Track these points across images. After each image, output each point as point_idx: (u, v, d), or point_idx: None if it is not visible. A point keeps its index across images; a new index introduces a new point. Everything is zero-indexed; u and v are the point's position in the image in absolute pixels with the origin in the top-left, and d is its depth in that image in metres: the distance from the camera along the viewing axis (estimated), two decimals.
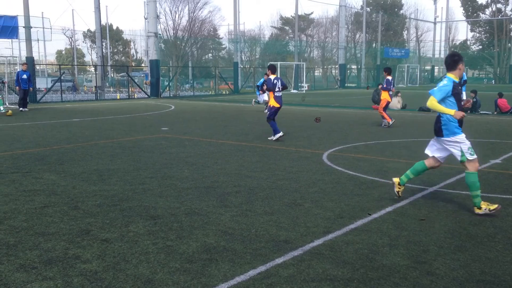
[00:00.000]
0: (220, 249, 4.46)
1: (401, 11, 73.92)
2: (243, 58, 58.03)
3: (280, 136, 11.48)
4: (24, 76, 21.24)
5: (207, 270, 4.00)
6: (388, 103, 15.22)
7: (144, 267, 4.05)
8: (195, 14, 49.38)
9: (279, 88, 11.59)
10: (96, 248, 4.47)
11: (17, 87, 21.72)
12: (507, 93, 26.11)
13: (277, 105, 11.60)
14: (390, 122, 14.75)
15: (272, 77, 11.56)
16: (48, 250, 4.41)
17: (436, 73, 74.79)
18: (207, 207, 5.85)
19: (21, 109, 21.09)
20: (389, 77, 14.91)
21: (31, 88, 22.27)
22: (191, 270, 4.00)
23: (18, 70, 22.54)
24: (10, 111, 18.33)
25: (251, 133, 13.21)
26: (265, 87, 11.77)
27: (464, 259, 4.29)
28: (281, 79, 11.88)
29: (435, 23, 73.54)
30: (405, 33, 74.88)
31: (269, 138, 11.70)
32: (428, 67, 75.51)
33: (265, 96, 19.51)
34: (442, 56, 77.21)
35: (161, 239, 4.74)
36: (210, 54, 66.74)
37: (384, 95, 15.04)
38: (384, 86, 14.95)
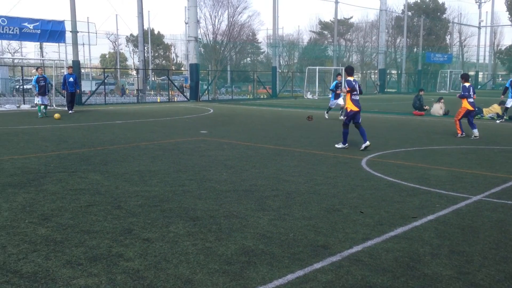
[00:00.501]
0: (258, 252, 4.50)
1: (444, 15, 72.18)
2: (281, 62, 58.08)
3: (343, 147, 11.04)
4: (71, 79, 21.75)
5: (245, 273, 4.04)
6: (469, 111, 13.56)
7: (184, 267, 4.13)
8: (234, 18, 49.80)
9: (357, 91, 11.00)
10: (138, 247, 4.59)
11: (64, 90, 22.31)
12: None
13: (356, 109, 10.86)
14: (459, 135, 13.67)
15: (351, 78, 10.99)
16: (93, 248, 4.56)
17: (480, 79, 72.63)
18: (246, 210, 5.90)
19: (70, 111, 21.46)
20: (467, 84, 13.62)
21: (78, 90, 22.85)
22: (229, 272, 4.04)
23: (65, 73, 23.15)
24: (57, 114, 18.40)
25: (289, 137, 13.22)
26: (345, 89, 11.05)
27: (510, 270, 4.16)
28: (358, 83, 11.30)
29: (479, 27, 71.50)
30: (448, 37, 73.10)
31: (336, 146, 11.25)
32: (471, 73, 73.42)
33: (339, 100, 19.10)
34: (487, 61, 75.00)
35: (201, 240, 4.81)
36: (248, 59, 67.13)
37: (464, 104, 13.54)
38: (461, 93, 13.58)
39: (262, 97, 41.59)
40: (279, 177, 7.82)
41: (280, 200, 6.40)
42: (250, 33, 60.97)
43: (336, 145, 11.25)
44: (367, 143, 10.77)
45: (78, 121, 17.57)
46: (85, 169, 8.33)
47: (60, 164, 8.82)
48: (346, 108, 11.09)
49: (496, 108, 20.54)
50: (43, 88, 19.18)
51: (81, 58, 38.25)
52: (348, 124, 10.96)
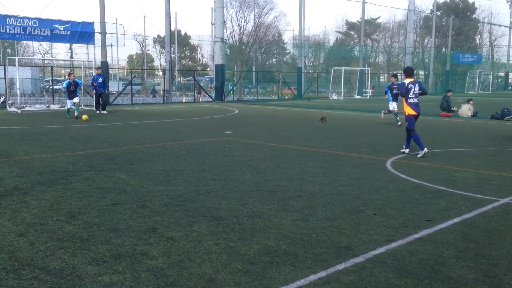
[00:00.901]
0: (281, 253, 4.51)
1: (474, 15, 70.79)
2: (306, 63, 57.89)
3: (425, 153, 9.94)
4: (100, 80, 22.10)
5: (268, 273, 4.05)
6: None
7: (207, 266, 4.17)
8: (260, 19, 49.89)
9: (415, 93, 10.18)
10: (162, 246, 4.65)
11: (93, 91, 22.62)
12: None
13: (414, 113, 10.15)
14: None
15: (406, 81, 10.21)
16: (118, 245, 4.65)
17: (510, 80, 70.91)
18: (269, 210, 5.92)
19: (97, 111, 21.80)
20: None
21: (106, 91, 23.18)
22: (252, 272, 4.06)
23: (94, 74, 23.46)
24: (85, 116, 18.06)
25: (314, 138, 13.17)
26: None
27: None
28: (420, 83, 10.49)
29: (510, 27, 69.75)
30: (477, 37, 71.61)
31: (418, 156, 9.96)
32: (502, 74, 71.70)
33: (392, 105, 17.17)
34: None
35: (224, 240, 4.85)
36: (274, 59, 67.12)
37: None
38: None
39: (287, 97, 41.53)
40: (302, 178, 7.81)
41: (304, 200, 6.39)
42: (276, 34, 60.96)
43: (419, 156, 9.97)
44: (407, 150, 10.33)
45: (105, 121, 17.89)
46: (111, 168, 8.48)
47: (87, 163, 9.01)
48: (406, 113, 10.30)
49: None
50: (73, 93, 19.18)
51: (109, 59, 38.87)
52: (413, 129, 10.16)
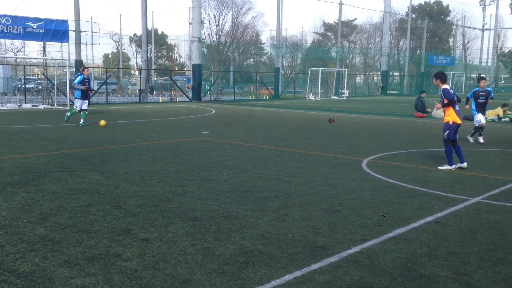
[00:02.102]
0: (256, 253, 4.50)
1: (448, 18, 72.13)
2: (284, 63, 58.08)
3: (448, 170, 8.84)
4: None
5: (243, 273, 4.04)
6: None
7: (182, 268, 4.14)
8: (238, 19, 49.88)
9: (457, 100, 9.06)
10: (136, 247, 4.60)
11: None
12: None
13: (460, 121, 8.96)
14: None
15: (447, 86, 8.95)
16: (91, 247, 4.57)
17: None
18: (245, 210, 5.91)
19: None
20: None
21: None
22: (227, 272, 4.05)
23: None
24: (103, 121, 15.45)
25: (290, 138, 13.22)
26: (440, 104, 9.10)
27: (506, 272, 4.16)
28: (454, 91, 9.20)
29: (483, 30, 71.35)
30: (451, 40, 73.02)
31: (440, 168, 9.03)
32: (474, 75, 73.26)
33: (478, 118, 12.79)
34: (489, 64, 74.88)
35: (199, 240, 4.82)
36: (251, 59, 67.15)
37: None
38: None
39: (264, 98, 41.60)
40: (279, 178, 7.83)
41: (280, 201, 6.40)
42: (254, 34, 61.06)
43: (440, 168, 9.04)
44: (464, 164, 8.95)
45: (79, 121, 17.57)
46: (85, 169, 8.34)
47: (60, 163, 8.85)
48: (448, 121, 8.96)
49: (499, 111, 20.58)
50: (85, 93, 15.91)
51: (83, 58, 38.33)
52: (451, 141, 8.92)
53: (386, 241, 4.90)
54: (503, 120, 20.06)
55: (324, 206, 6.18)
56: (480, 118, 12.64)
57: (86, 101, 16.20)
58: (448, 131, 8.86)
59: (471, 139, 13.14)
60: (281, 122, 18.53)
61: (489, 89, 12.84)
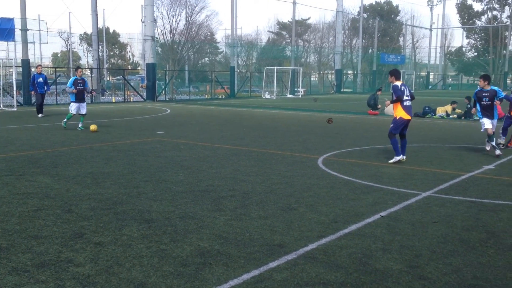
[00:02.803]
0: (214, 253, 4.46)
1: (398, 18, 74.24)
2: (239, 62, 58.09)
3: (398, 161, 9.34)
4: (40, 80, 19.79)
5: (200, 274, 4.00)
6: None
7: (137, 271, 4.04)
8: (192, 18, 49.42)
9: (408, 96, 9.39)
10: (89, 252, 4.46)
11: (32, 92, 20.12)
12: None
13: (408, 117, 9.34)
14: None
15: (398, 83, 9.33)
16: (41, 254, 4.40)
17: (431, 79, 75.11)
18: (202, 211, 5.85)
19: (40, 115, 19.36)
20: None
21: (48, 92, 21.06)
22: (184, 274, 3.99)
23: (34, 73, 20.92)
24: (94, 126, 14.21)
25: (247, 137, 13.22)
26: (389, 101, 9.55)
27: (456, 263, 4.31)
28: (408, 87, 9.63)
29: (431, 29, 73.96)
30: (401, 39, 75.21)
31: (390, 162, 9.40)
32: (423, 73, 75.85)
33: (485, 123, 10.66)
34: (437, 62, 77.68)
35: (155, 242, 4.73)
36: (206, 58, 66.77)
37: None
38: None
39: (220, 97, 41.46)
40: (236, 177, 7.81)
41: (237, 200, 6.38)
42: (208, 33, 60.70)
43: (390, 161, 9.42)
44: (403, 157, 9.42)
45: (26, 122, 16.95)
46: (33, 172, 8.03)
47: (7, 167, 8.48)
48: (395, 116, 9.41)
49: (448, 108, 21.37)
50: (81, 93, 14.69)
51: (31, 57, 36.90)
52: (395, 134, 9.42)
53: (342, 237, 4.98)
54: (451, 116, 20.86)
55: (281, 204, 6.21)
56: (484, 122, 10.66)
57: (84, 104, 14.95)
58: (392, 125, 9.43)
59: (487, 147, 11.15)
60: (237, 121, 18.51)
61: (495, 88, 10.79)
